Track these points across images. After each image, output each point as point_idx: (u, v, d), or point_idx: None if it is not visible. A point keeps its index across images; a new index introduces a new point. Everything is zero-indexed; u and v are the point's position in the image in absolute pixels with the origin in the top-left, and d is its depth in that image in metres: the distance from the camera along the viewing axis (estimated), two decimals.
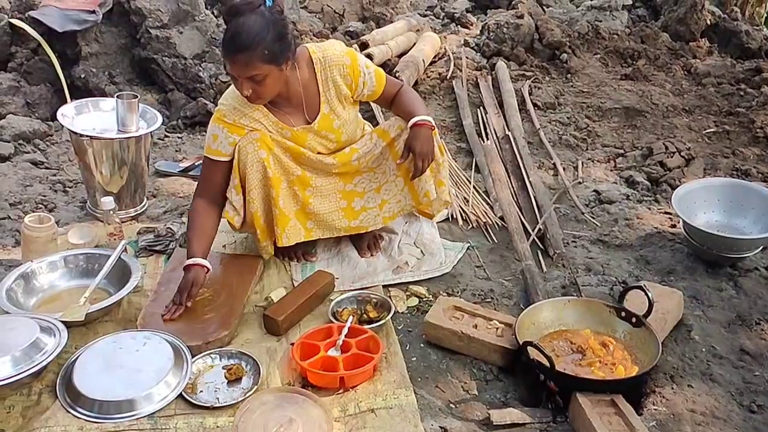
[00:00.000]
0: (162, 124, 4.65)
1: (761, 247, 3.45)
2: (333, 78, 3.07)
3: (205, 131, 4.85)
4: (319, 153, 3.19)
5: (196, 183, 3.22)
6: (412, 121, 3.07)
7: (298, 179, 3.16)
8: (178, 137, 4.85)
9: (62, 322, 2.75)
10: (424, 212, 3.48)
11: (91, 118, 3.73)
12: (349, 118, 3.19)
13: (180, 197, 4.00)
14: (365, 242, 3.42)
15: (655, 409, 2.58)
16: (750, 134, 4.89)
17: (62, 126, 3.96)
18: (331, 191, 3.26)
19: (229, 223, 3.17)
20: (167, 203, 3.93)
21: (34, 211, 3.65)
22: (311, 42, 5.68)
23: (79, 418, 2.45)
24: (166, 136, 4.84)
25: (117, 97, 3.62)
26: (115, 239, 3.34)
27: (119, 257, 3.13)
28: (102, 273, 3.05)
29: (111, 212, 3.37)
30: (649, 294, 2.78)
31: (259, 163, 3.03)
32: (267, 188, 3.09)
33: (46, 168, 4.33)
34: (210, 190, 3.13)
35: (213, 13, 5.81)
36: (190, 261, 2.97)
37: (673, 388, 2.67)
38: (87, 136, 3.57)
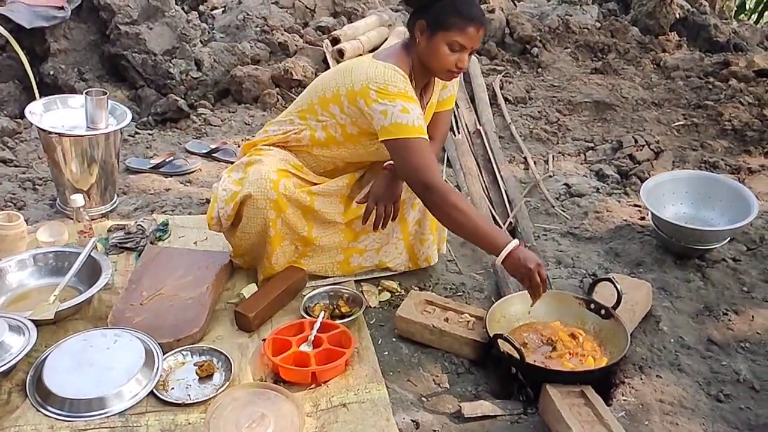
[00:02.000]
0: (132, 120, 4.64)
1: (728, 239, 3.50)
2: None
3: (176, 128, 4.90)
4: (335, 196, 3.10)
5: (423, 167, 2.74)
6: (388, 162, 3.02)
7: (302, 239, 3.07)
8: (149, 134, 4.82)
9: (32, 320, 2.72)
10: None
11: (60, 115, 3.70)
12: (429, 116, 3.10)
13: (151, 194, 3.98)
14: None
15: (624, 400, 2.61)
16: (718, 127, 4.95)
17: (31, 123, 3.93)
18: (333, 247, 3.17)
19: (209, 221, 3.10)
20: (138, 200, 3.91)
21: (2, 209, 3.61)
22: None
23: (49, 416, 2.43)
24: (137, 133, 4.81)
25: (86, 93, 3.59)
26: (85, 237, 3.32)
27: (89, 255, 3.11)
28: (72, 271, 3.02)
29: (81, 210, 3.35)
30: (618, 286, 2.81)
31: (263, 221, 2.94)
32: (261, 239, 3.01)
33: (15, 166, 4.29)
34: (437, 167, 2.82)
35: (183, 8, 5.78)
36: (512, 245, 2.68)
37: (641, 379, 2.70)
38: (56, 133, 3.54)
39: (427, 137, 2.78)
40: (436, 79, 3.02)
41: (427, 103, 3.03)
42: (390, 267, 3.28)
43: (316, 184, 3.08)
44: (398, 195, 3.04)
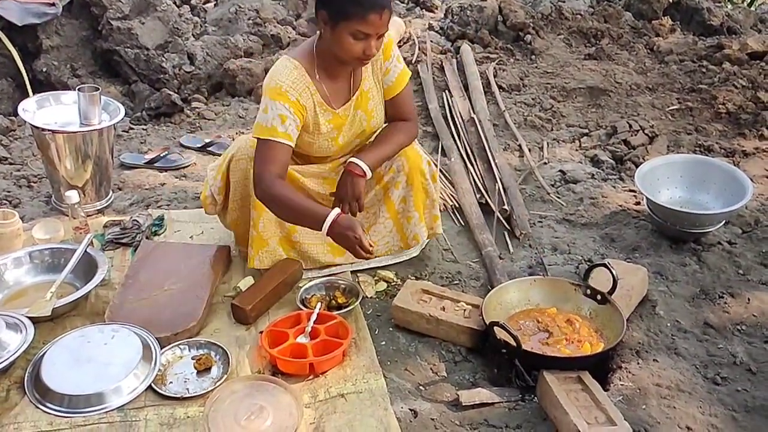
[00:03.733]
0: (126, 116, 4.64)
1: (723, 222, 3.50)
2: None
3: (170, 122, 4.89)
4: (330, 161, 3.13)
5: (259, 163, 2.83)
6: (348, 160, 3.00)
7: None
8: (143, 129, 4.82)
9: (29, 317, 2.73)
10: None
11: (53, 112, 3.70)
12: (380, 101, 3.09)
13: (146, 189, 3.98)
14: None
15: (622, 384, 2.61)
16: (712, 110, 4.94)
17: (24, 121, 3.92)
18: None
19: (203, 204, 3.16)
20: (133, 196, 3.91)
21: None
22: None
23: (48, 413, 2.45)
24: (131, 128, 4.81)
25: (78, 90, 3.59)
26: (80, 233, 3.32)
27: (85, 251, 3.11)
28: (68, 267, 3.03)
29: (76, 206, 3.34)
30: (614, 271, 2.82)
31: (246, 181, 2.97)
32: (248, 208, 3.03)
33: (10, 163, 4.29)
34: (279, 169, 2.84)
35: (175, 2, 5.77)
36: (332, 216, 2.73)
37: (638, 363, 2.71)
38: (49, 130, 3.55)
39: (279, 138, 2.79)
40: (369, 65, 2.98)
41: (356, 92, 3.00)
42: (380, 248, 3.25)
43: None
44: (359, 194, 2.98)
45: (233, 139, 4.60)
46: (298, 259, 3.19)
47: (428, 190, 3.22)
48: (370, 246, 2.76)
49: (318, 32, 2.85)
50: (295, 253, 3.19)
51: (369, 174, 2.98)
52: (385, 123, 3.16)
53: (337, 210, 2.77)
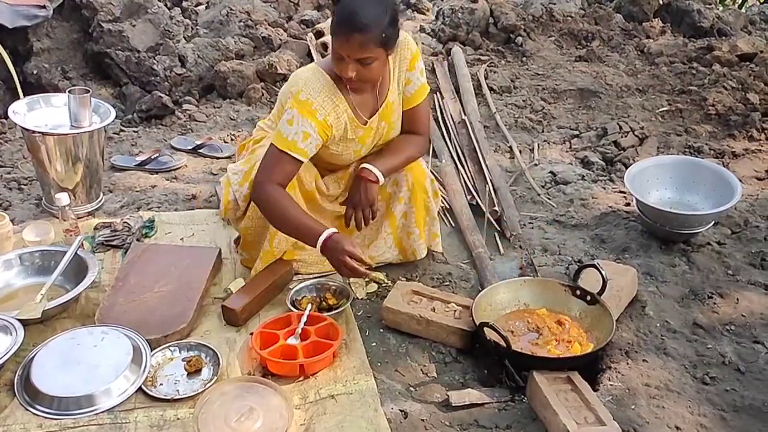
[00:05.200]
0: (117, 118, 4.64)
1: (713, 223, 3.51)
2: (401, 61, 2.96)
3: (161, 125, 4.89)
4: (330, 197, 3.13)
5: (266, 168, 2.85)
6: (361, 165, 3.00)
7: None
8: (134, 131, 4.81)
9: (19, 320, 2.73)
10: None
11: (44, 114, 3.69)
12: (401, 113, 3.07)
13: (137, 191, 3.98)
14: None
15: (611, 385, 2.62)
16: (702, 112, 4.96)
17: (15, 123, 3.92)
18: None
19: (224, 208, 3.11)
20: (124, 198, 3.91)
21: None
22: None
23: (38, 415, 2.44)
24: (122, 131, 4.80)
25: (69, 92, 3.59)
26: (71, 235, 3.32)
27: (76, 253, 3.11)
28: (58, 269, 3.02)
29: (66, 208, 3.34)
30: (603, 272, 2.83)
31: None
32: (266, 221, 3.00)
33: (1, 166, 4.28)
34: (283, 179, 2.86)
35: (166, 5, 5.77)
36: (325, 234, 2.78)
37: (628, 363, 2.72)
38: (40, 132, 3.54)
39: (295, 154, 2.80)
40: (395, 77, 2.98)
41: (382, 104, 2.98)
42: (380, 260, 3.27)
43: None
44: (373, 200, 3.01)
45: (225, 141, 4.61)
46: (301, 265, 3.21)
47: (429, 208, 3.22)
48: (366, 266, 2.80)
49: None
50: (299, 263, 3.22)
51: (382, 180, 2.98)
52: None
53: (333, 229, 2.81)
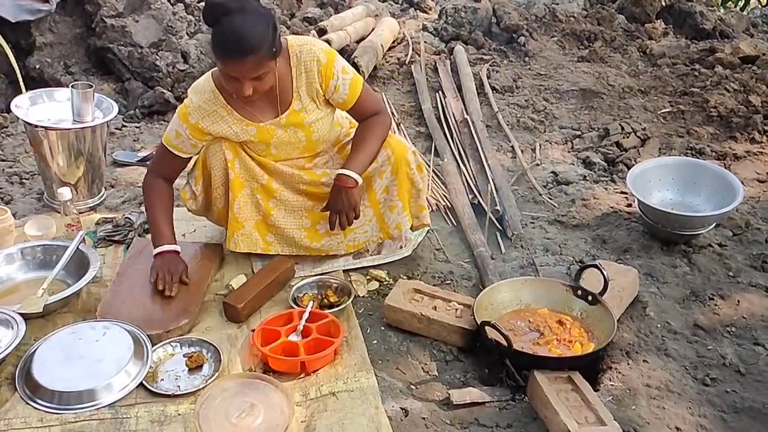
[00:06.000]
0: (119, 113, 4.63)
1: (714, 224, 3.52)
2: (307, 72, 2.95)
3: (164, 120, 4.89)
4: (289, 162, 3.14)
5: (154, 159, 3.21)
6: (337, 172, 3.00)
7: (263, 188, 3.10)
8: (136, 127, 4.81)
9: (20, 314, 2.73)
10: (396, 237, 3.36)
11: (46, 108, 3.69)
12: (322, 116, 3.07)
13: (138, 187, 3.96)
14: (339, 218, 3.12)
15: (612, 385, 2.63)
16: (704, 113, 4.96)
17: (17, 117, 3.92)
18: (297, 207, 3.18)
19: (185, 205, 3.20)
20: (125, 193, 3.91)
21: None
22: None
23: (38, 409, 2.45)
24: (124, 126, 4.80)
25: (72, 87, 3.59)
26: (73, 230, 3.32)
27: (77, 248, 3.11)
28: (60, 264, 3.03)
29: (68, 203, 3.34)
30: (605, 272, 2.83)
31: (223, 163, 3.02)
32: (227, 189, 3.08)
33: (2, 160, 4.27)
34: (167, 172, 3.14)
35: (169, 1, 5.76)
36: (164, 248, 3.04)
37: (628, 364, 2.72)
38: (42, 126, 3.54)
39: (170, 149, 3.04)
40: (300, 84, 2.98)
41: (285, 110, 3.00)
42: (359, 236, 3.24)
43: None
44: (356, 204, 3.01)
45: None
46: (276, 242, 3.21)
47: (414, 180, 3.17)
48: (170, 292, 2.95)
49: None
50: (272, 237, 3.20)
51: (360, 180, 2.97)
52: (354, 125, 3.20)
53: (175, 246, 3.06)
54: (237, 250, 3.15)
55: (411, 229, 3.31)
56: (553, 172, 4.26)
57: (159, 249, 3.02)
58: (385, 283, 3.20)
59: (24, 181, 4.03)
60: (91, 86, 3.63)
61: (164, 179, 3.12)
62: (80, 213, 3.50)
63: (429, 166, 4.21)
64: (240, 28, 2.63)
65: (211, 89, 2.94)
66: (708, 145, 4.55)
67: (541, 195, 4.00)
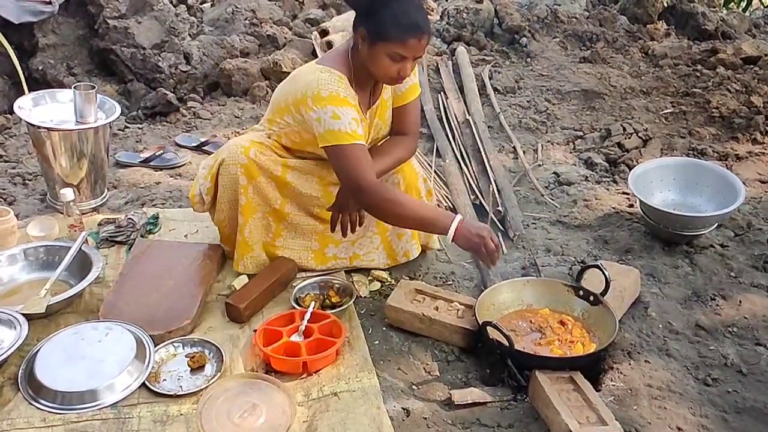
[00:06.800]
0: (122, 114, 4.64)
1: (716, 225, 3.52)
2: None
3: (166, 122, 4.90)
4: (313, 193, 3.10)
5: (354, 170, 2.78)
6: None
7: (275, 212, 3.09)
8: (139, 128, 4.82)
9: (23, 314, 2.73)
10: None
11: (49, 109, 3.69)
12: (390, 111, 3.10)
13: (141, 188, 3.99)
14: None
15: (613, 385, 2.63)
16: (706, 114, 4.96)
17: (20, 118, 3.93)
18: (307, 231, 3.17)
19: (192, 206, 3.17)
20: (128, 194, 3.91)
21: None
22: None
23: (41, 409, 2.45)
24: (127, 127, 4.81)
25: (74, 88, 3.59)
26: (75, 231, 3.33)
27: (80, 249, 3.12)
28: (63, 265, 3.03)
29: (71, 204, 3.35)
30: (606, 272, 2.83)
31: (235, 186, 2.99)
32: (236, 212, 3.05)
33: (5, 161, 4.28)
34: (371, 167, 2.83)
35: (171, 2, 5.77)
36: (458, 218, 2.83)
37: (630, 364, 2.72)
38: (45, 128, 3.54)
39: (360, 141, 2.78)
40: None
41: (376, 101, 3.00)
42: (365, 263, 3.25)
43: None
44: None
45: (228, 139, 4.61)
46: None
47: None
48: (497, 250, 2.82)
49: (353, 43, 2.83)
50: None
51: None
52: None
53: (460, 216, 2.84)
54: (246, 272, 3.14)
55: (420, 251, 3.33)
56: (554, 172, 4.26)
57: (456, 221, 2.81)
58: (386, 283, 3.21)
59: (27, 182, 4.04)
60: (94, 87, 3.64)
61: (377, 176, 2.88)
62: (83, 214, 3.51)
63: (431, 167, 4.22)
64: (417, 8, 2.70)
65: (340, 78, 2.80)
66: (710, 146, 4.55)
67: (542, 195, 4.00)
